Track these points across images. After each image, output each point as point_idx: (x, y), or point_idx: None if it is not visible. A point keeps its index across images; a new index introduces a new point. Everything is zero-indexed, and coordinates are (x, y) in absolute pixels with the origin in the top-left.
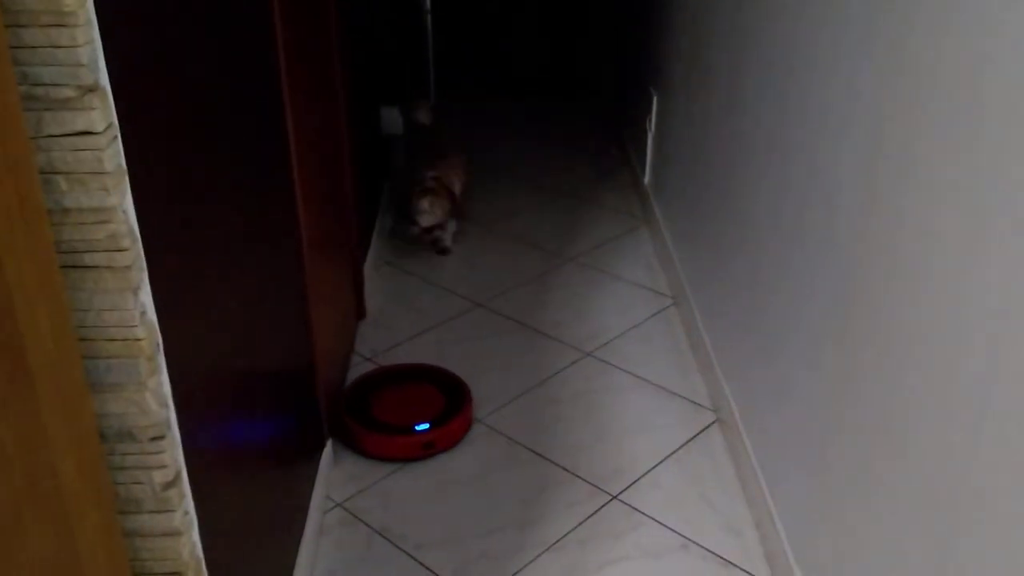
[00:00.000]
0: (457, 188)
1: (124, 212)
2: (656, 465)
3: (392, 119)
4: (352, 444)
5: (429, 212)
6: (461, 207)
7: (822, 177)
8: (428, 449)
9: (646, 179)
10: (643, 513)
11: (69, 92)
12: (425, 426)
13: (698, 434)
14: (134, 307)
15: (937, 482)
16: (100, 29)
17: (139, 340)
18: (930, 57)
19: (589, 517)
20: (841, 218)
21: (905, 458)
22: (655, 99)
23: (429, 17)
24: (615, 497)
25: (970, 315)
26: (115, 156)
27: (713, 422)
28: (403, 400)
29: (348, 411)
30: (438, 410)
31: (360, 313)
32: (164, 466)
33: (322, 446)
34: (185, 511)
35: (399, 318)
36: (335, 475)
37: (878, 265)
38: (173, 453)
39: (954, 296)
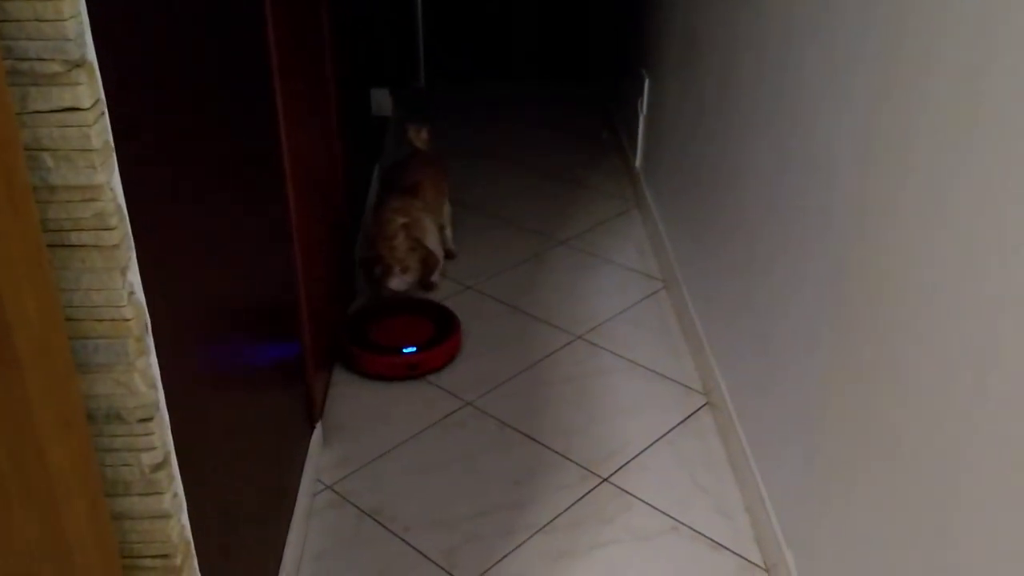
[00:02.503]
0: (429, 235)
1: (112, 190)
2: (647, 448)
3: (382, 100)
4: (351, 365)
5: (399, 279)
6: (431, 259)
7: (818, 159)
8: (413, 370)
9: (637, 162)
10: (633, 496)
11: (55, 67)
12: (412, 349)
13: (689, 417)
14: (122, 287)
15: (929, 465)
16: (87, 1)
17: (127, 320)
18: (931, 34)
19: (579, 499)
20: (837, 200)
21: (896, 441)
22: (647, 81)
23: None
24: (605, 480)
25: (965, 299)
26: (102, 132)
27: (704, 405)
28: (399, 328)
29: (348, 335)
30: (426, 337)
31: (350, 296)
32: (153, 448)
33: (312, 429)
34: (174, 493)
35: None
36: (325, 457)
37: (873, 248)
38: (162, 434)
39: (949, 280)
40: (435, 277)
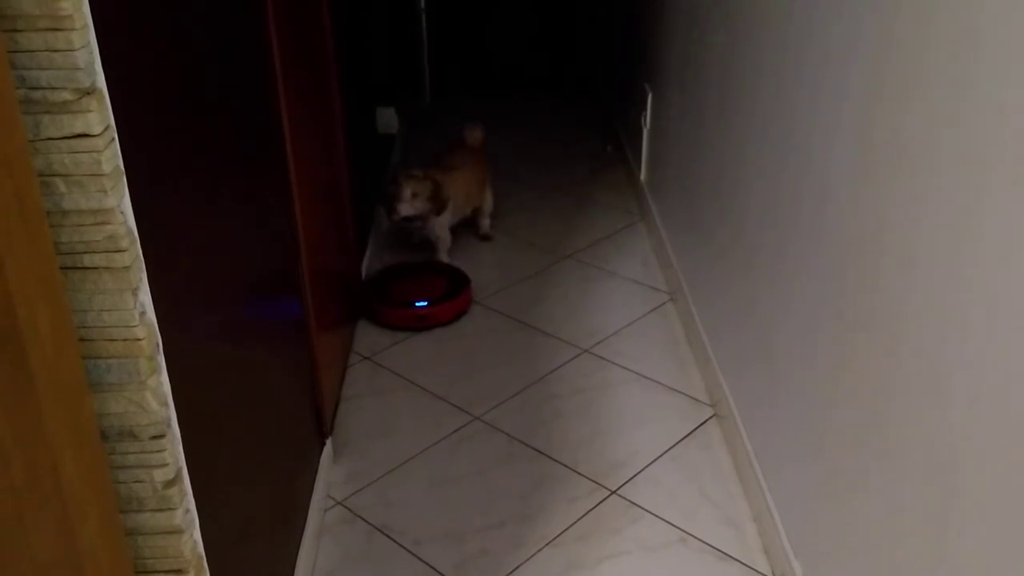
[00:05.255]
0: (448, 192)
1: (122, 213)
2: (654, 460)
3: (388, 119)
4: (372, 317)
5: (408, 204)
6: (445, 204)
7: (815, 169)
8: (423, 321)
9: (642, 175)
10: (642, 508)
11: (67, 95)
12: (424, 303)
13: (696, 429)
14: (134, 307)
15: (933, 473)
16: (97, 32)
17: (139, 340)
18: (919, 44)
19: (588, 512)
20: (834, 210)
21: (901, 449)
22: (650, 95)
23: (424, 16)
24: (614, 492)
25: (963, 307)
26: (113, 158)
27: (711, 417)
28: (416, 285)
29: (371, 289)
30: (438, 294)
31: (358, 312)
32: (165, 464)
33: (322, 444)
34: (186, 509)
35: None
36: (335, 473)
37: (871, 258)
38: (174, 451)
39: (947, 288)
40: (443, 255)
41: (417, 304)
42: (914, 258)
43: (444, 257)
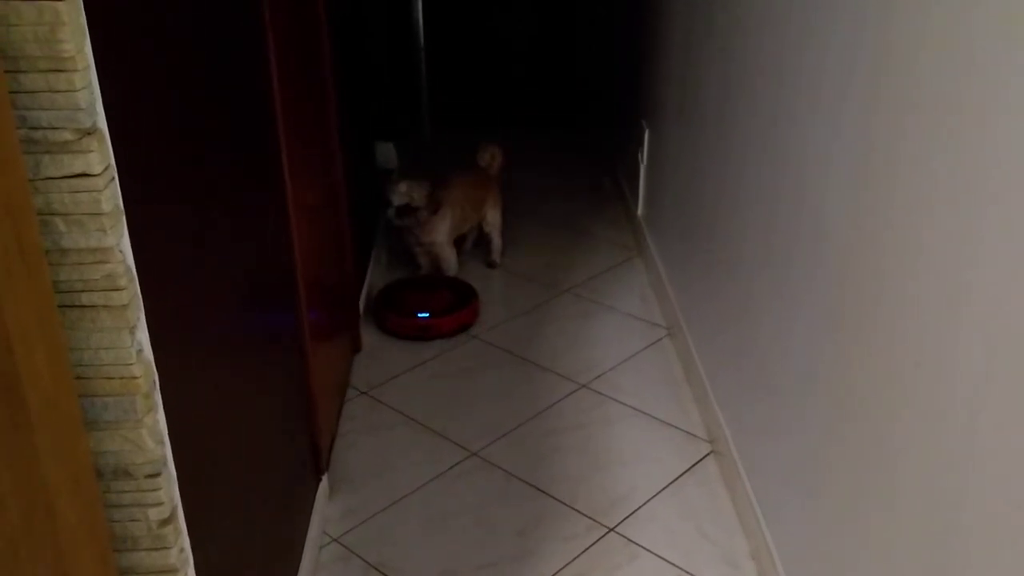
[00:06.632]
0: (457, 213)
1: (121, 252)
2: (653, 497)
3: (387, 153)
4: (381, 325)
5: (404, 193)
6: (439, 204)
7: (810, 206)
8: (426, 332)
9: (639, 210)
10: (640, 545)
11: (67, 135)
12: (426, 315)
13: (694, 465)
14: (131, 345)
15: (932, 513)
16: (98, 72)
17: (136, 378)
18: (909, 84)
19: (586, 550)
20: (830, 246)
21: (900, 489)
22: (647, 131)
23: (423, 53)
24: (612, 530)
25: (961, 344)
26: (112, 197)
27: (709, 453)
28: (425, 298)
29: (383, 300)
30: (441, 308)
31: (356, 347)
32: (160, 503)
33: (319, 480)
34: (181, 548)
35: (394, 351)
36: (331, 509)
37: (867, 293)
38: (169, 490)
39: (945, 325)
40: (450, 270)
41: (420, 315)
42: (914, 293)
43: (452, 272)
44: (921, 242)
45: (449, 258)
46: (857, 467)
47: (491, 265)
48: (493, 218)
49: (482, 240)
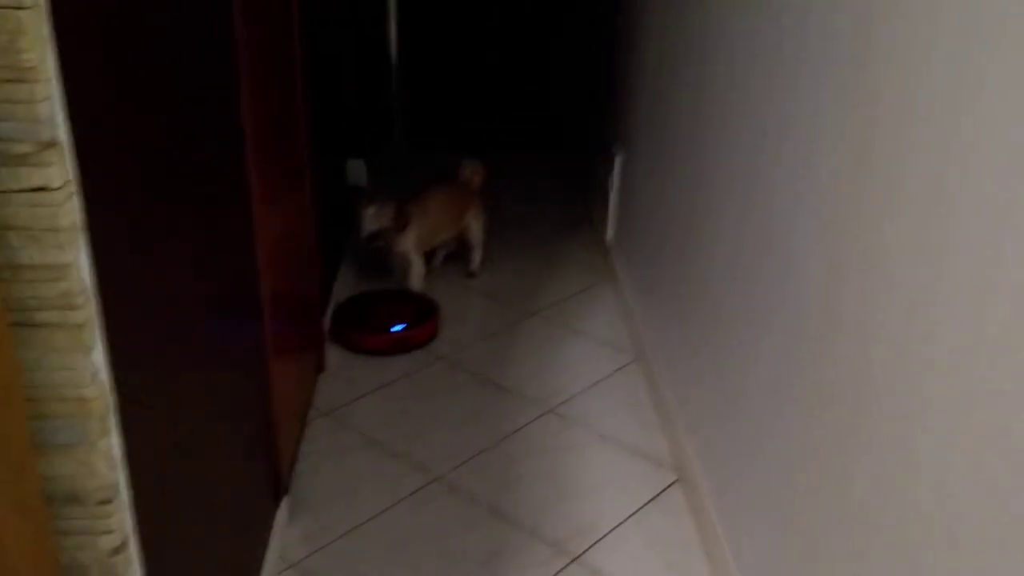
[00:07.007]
0: (428, 225)
1: (79, 269)
2: (617, 526)
3: (358, 171)
4: (348, 343)
5: (373, 218)
6: (407, 222)
7: (778, 231)
8: (402, 344)
9: (608, 235)
10: (604, 575)
11: (26, 147)
12: (400, 327)
13: (660, 493)
14: (86, 367)
15: (903, 543)
16: (61, 83)
17: (90, 400)
18: (883, 104)
19: None
20: (797, 271)
21: (870, 521)
22: (617, 156)
23: (395, 71)
24: (576, 558)
25: (936, 374)
26: (71, 212)
27: (675, 481)
28: (390, 312)
29: (347, 318)
30: (411, 319)
31: (320, 367)
32: (111, 531)
33: (278, 503)
34: None
35: (359, 371)
36: (290, 533)
37: (841, 318)
38: (121, 517)
39: (920, 354)
40: (414, 282)
41: (393, 329)
42: (890, 321)
43: (416, 285)
44: (890, 264)
45: (416, 269)
46: (827, 499)
47: (470, 275)
48: (475, 231)
49: (462, 252)
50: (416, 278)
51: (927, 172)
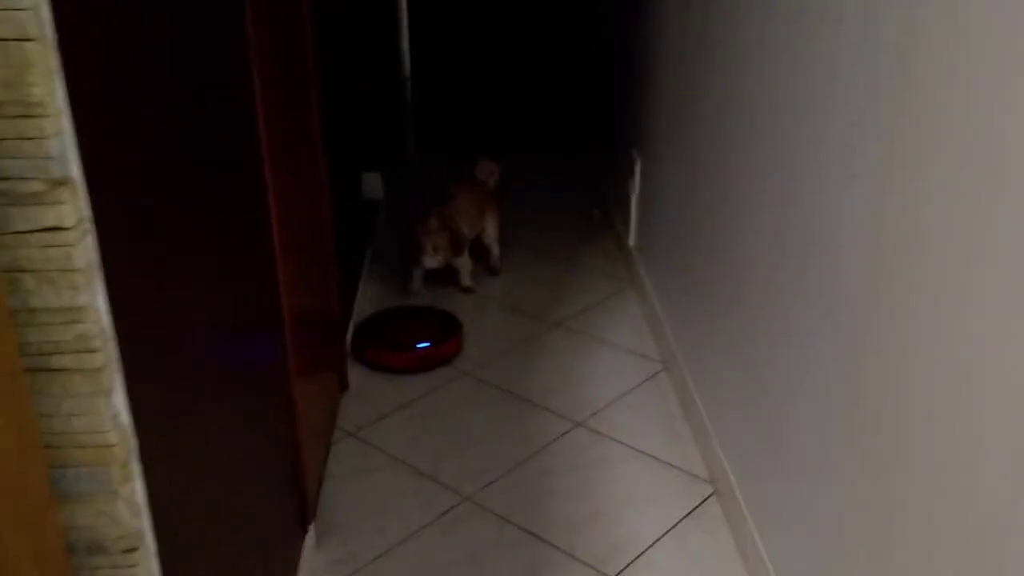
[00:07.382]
0: (465, 227)
1: (96, 310)
2: (654, 543)
3: (374, 184)
4: (372, 362)
5: (432, 256)
6: (465, 244)
7: (821, 232)
8: (427, 362)
9: (631, 240)
10: None
11: (37, 186)
12: (426, 344)
13: (696, 507)
14: (106, 411)
15: (953, 558)
16: (72, 117)
17: (111, 446)
18: (931, 102)
19: None
20: (844, 276)
21: (918, 539)
22: (638, 159)
23: (408, 83)
24: None
25: (987, 375)
26: (86, 252)
27: (711, 494)
28: (414, 329)
29: (370, 337)
30: (435, 336)
31: (343, 385)
32: None
33: (304, 532)
34: None
35: (382, 390)
36: (318, 560)
37: (886, 326)
38: (147, 565)
39: (971, 356)
40: (467, 280)
41: (419, 346)
42: (937, 325)
43: (466, 281)
44: (956, 272)
45: (466, 268)
46: (875, 514)
47: (493, 272)
48: (492, 230)
49: (481, 252)
50: (466, 276)
51: (980, 171)
